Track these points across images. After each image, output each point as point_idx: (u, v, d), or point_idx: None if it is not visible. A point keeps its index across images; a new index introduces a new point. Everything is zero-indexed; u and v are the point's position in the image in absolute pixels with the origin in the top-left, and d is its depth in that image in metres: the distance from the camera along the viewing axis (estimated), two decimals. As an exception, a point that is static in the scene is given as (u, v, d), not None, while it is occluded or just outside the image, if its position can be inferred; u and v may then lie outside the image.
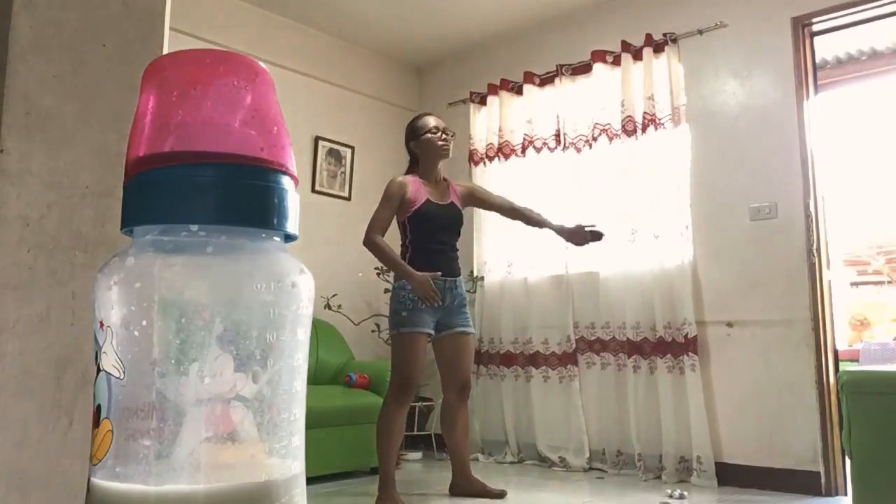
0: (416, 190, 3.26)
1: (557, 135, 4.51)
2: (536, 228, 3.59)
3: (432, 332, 3.20)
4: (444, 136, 3.35)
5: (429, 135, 3.33)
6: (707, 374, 3.79)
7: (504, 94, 4.79)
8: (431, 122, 3.37)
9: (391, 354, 3.20)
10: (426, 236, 3.24)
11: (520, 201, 4.51)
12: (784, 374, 3.57)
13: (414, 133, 3.39)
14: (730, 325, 3.77)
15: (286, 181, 0.48)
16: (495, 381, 4.52)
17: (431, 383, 4.42)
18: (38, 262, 0.90)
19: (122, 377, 0.44)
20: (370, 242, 3.19)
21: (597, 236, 3.36)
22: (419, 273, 3.12)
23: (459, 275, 3.34)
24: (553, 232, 3.47)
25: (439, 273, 3.18)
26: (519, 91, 4.74)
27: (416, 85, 5.51)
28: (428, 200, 3.26)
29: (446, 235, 3.32)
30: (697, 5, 4.06)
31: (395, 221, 3.32)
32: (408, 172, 3.40)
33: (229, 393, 0.44)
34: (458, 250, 3.39)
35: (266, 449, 0.46)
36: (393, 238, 3.30)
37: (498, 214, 3.66)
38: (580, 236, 3.37)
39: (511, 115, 4.76)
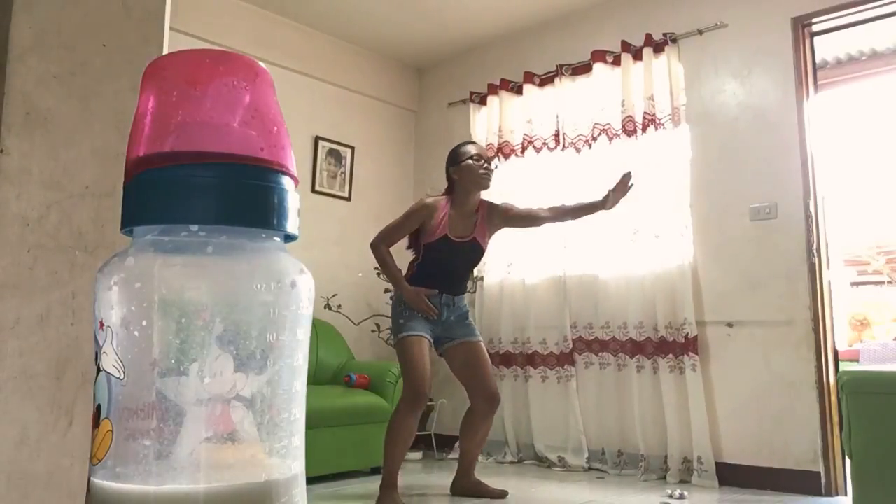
0: (440, 220, 3.20)
1: (557, 135, 4.51)
2: (587, 215, 3.36)
3: (430, 338, 3.18)
4: (485, 164, 3.26)
5: (470, 161, 3.24)
6: (707, 375, 3.79)
7: (504, 94, 4.79)
8: (473, 149, 3.30)
9: (399, 363, 3.19)
10: (435, 267, 3.21)
11: (519, 202, 4.54)
12: (784, 374, 3.57)
13: (454, 159, 3.30)
14: (730, 325, 3.77)
15: (286, 181, 0.48)
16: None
17: (432, 384, 4.41)
18: (38, 262, 0.90)
19: (122, 377, 0.44)
20: (375, 249, 3.20)
21: (627, 179, 3.17)
22: (411, 288, 3.13)
23: (462, 293, 3.31)
24: (600, 208, 3.26)
25: (436, 291, 3.17)
26: (519, 91, 4.74)
27: (416, 85, 5.51)
28: (445, 237, 3.18)
29: (460, 268, 3.29)
30: (697, 5, 4.06)
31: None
32: (445, 193, 3.33)
33: (229, 393, 0.44)
34: (468, 276, 3.38)
35: (266, 449, 0.46)
36: (399, 248, 3.30)
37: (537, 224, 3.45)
38: (620, 192, 3.19)
39: (511, 115, 4.76)
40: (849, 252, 7.15)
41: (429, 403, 4.58)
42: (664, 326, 3.86)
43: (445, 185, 3.39)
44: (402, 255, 3.36)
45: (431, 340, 3.20)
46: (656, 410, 3.85)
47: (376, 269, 4.62)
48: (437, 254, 3.20)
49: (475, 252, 3.30)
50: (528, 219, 3.41)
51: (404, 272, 3.26)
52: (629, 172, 3.21)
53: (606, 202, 3.22)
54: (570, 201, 3.48)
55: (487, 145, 4.81)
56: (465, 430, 3.30)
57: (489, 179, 3.28)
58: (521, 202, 4.52)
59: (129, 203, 0.47)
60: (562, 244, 4.36)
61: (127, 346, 0.44)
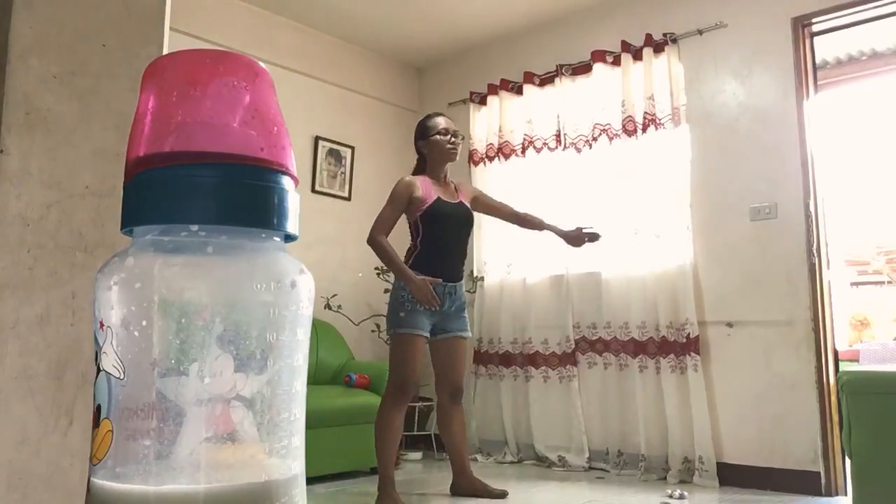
0: (426, 188, 3.24)
1: (557, 135, 4.51)
2: (537, 231, 3.65)
3: (428, 335, 3.19)
4: (453, 139, 3.33)
5: (438, 136, 3.31)
6: (708, 375, 3.79)
7: (504, 94, 4.79)
8: (442, 122, 3.35)
9: (389, 354, 3.20)
10: (437, 236, 3.21)
11: (519, 201, 4.54)
12: (784, 374, 3.57)
13: (424, 132, 3.37)
14: (730, 325, 3.77)
15: (286, 181, 0.48)
16: (494, 381, 4.52)
17: (431, 383, 4.41)
18: (38, 262, 0.90)
19: (122, 377, 0.44)
20: (373, 242, 3.16)
21: (594, 238, 3.44)
22: (418, 277, 3.11)
23: (461, 279, 3.33)
24: (552, 233, 3.53)
25: (440, 280, 3.17)
26: (519, 91, 4.74)
27: (416, 85, 5.51)
28: (439, 198, 3.24)
29: (457, 235, 3.30)
30: (697, 5, 4.06)
31: (404, 221, 3.32)
32: (415, 172, 3.38)
33: (229, 393, 0.44)
34: (465, 255, 3.38)
35: (266, 449, 0.46)
36: (396, 240, 3.28)
37: (498, 219, 3.68)
38: (578, 239, 3.46)
39: (511, 115, 4.76)
40: (849, 252, 7.14)
41: (429, 403, 4.59)
42: (665, 326, 3.86)
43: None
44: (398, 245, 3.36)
45: (427, 336, 3.19)
46: (657, 410, 3.85)
47: (377, 268, 4.63)
48: (436, 222, 3.21)
49: (466, 216, 3.35)
50: (491, 208, 3.59)
51: (406, 262, 3.23)
52: (598, 236, 3.47)
53: (565, 236, 3.49)
54: (537, 215, 3.65)
55: (487, 145, 4.82)
56: (441, 427, 3.35)
57: (457, 153, 3.37)
58: (520, 201, 4.55)
59: (129, 203, 0.47)
60: (564, 244, 4.35)
61: (127, 346, 0.44)
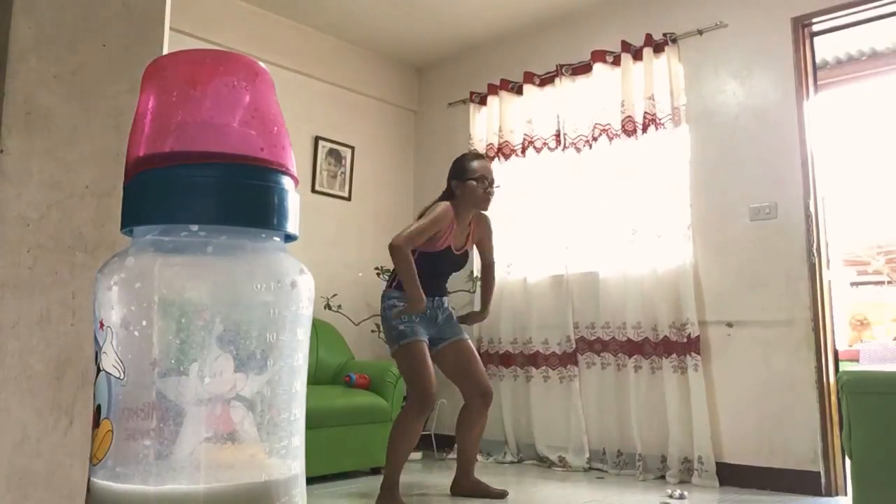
0: (448, 230, 3.20)
1: (557, 135, 4.51)
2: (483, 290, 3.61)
3: (427, 340, 3.19)
4: (489, 188, 3.27)
5: (474, 183, 3.24)
6: (708, 375, 3.79)
7: (504, 94, 4.79)
8: (479, 169, 3.26)
9: (401, 370, 3.18)
10: (427, 274, 3.16)
11: (520, 202, 4.55)
12: (784, 374, 3.57)
13: (460, 173, 3.28)
14: (730, 325, 3.77)
15: (286, 181, 0.48)
16: (494, 382, 4.51)
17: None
18: (38, 262, 0.90)
19: (122, 377, 0.44)
20: (399, 252, 3.05)
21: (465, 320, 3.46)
22: (422, 299, 3.06)
23: (447, 294, 3.36)
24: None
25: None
26: (519, 91, 4.74)
27: (416, 85, 5.51)
28: (448, 248, 3.23)
29: (446, 273, 3.33)
30: (697, 5, 4.06)
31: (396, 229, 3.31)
32: (447, 197, 3.29)
33: (229, 393, 0.44)
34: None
35: (266, 449, 0.46)
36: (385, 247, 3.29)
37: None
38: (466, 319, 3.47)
39: (511, 115, 4.76)
40: (849, 252, 7.15)
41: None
42: (668, 326, 3.86)
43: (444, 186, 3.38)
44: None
45: (427, 343, 3.19)
46: (657, 410, 3.85)
47: (377, 268, 4.63)
48: (433, 265, 3.20)
49: (460, 264, 3.37)
50: (483, 253, 3.55)
51: (391, 281, 3.25)
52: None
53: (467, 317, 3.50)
54: (490, 289, 3.58)
55: (487, 145, 4.81)
56: (462, 427, 3.31)
57: (489, 203, 3.30)
58: (520, 201, 4.56)
59: (129, 203, 0.47)
60: (564, 244, 4.36)
61: (127, 346, 0.44)
